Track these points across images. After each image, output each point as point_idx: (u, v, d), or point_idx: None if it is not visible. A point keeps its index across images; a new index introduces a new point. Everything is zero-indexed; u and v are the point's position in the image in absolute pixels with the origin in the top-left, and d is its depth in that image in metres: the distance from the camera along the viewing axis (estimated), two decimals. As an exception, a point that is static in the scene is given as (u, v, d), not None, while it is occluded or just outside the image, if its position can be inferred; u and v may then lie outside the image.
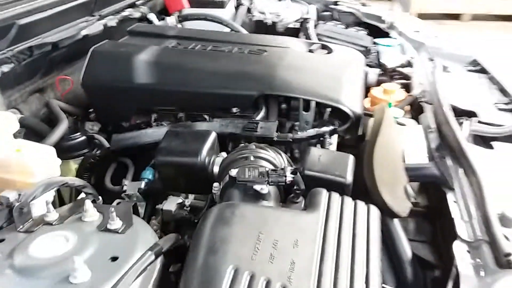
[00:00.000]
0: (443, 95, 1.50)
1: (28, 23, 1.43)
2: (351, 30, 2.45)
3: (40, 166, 0.95)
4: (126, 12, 1.96)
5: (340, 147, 1.41)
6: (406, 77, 1.88)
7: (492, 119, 1.43)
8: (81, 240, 0.81)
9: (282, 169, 0.96)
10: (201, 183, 1.12)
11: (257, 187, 0.92)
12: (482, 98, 1.58)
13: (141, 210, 1.23)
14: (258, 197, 0.93)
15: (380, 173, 1.10)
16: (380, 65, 2.00)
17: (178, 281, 0.76)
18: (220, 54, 1.59)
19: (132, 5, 2.07)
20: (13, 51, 1.39)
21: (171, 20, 2.22)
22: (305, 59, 1.62)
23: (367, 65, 1.92)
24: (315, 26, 2.44)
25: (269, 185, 0.94)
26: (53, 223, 0.87)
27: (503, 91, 1.63)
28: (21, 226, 0.86)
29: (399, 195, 1.12)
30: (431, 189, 1.31)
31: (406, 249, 1.06)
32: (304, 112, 1.38)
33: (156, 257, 0.80)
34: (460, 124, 1.36)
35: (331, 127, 1.35)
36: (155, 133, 1.36)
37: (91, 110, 1.55)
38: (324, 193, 0.93)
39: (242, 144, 1.21)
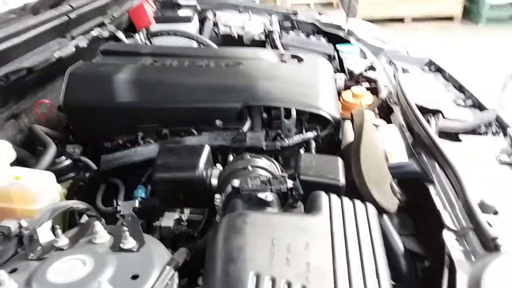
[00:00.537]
0: (410, 95, 1.60)
1: (3, 50, 1.40)
2: (313, 38, 2.55)
3: (41, 192, 0.95)
4: (95, 32, 1.94)
5: (317, 151, 1.46)
6: (371, 80, 1.97)
7: (453, 115, 1.52)
8: (98, 262, 0.81)
9: (282, 176, 1.01)
10: (199, 197, 1.14)
11: (261, 195, 0.96)
12: (441, 96, 1.69)
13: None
14: (263, 204, 0.96)
15: (367, 172, 1.16)
16: (345, 71, 2.09)
17: None
18: (199, 69, 1.61)
19: (100, 24, 2.06)
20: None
21: (139, 37, 2.22)
22: (280, 69, 1.69)
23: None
24: (280, 36, 2.52)
25: (272, 192, 0.98)
26: (64, 248, 0.87)
27: (459, 87, 1.75)
28: (31, 254, 0.85)
29: (387, 192, 1.18)
30: (408, 185, 1.39)
31: (399, 243, 1.12)
32: (286, 120, 1.43)
33: (175, 272, 0.82)
34: (428, 121, 1.46)
35: (315, 133, 1.42)
36: (145, 150, 1.36)
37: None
38: (324, 195, 0.97)
39: (237, 155, 1.24)
